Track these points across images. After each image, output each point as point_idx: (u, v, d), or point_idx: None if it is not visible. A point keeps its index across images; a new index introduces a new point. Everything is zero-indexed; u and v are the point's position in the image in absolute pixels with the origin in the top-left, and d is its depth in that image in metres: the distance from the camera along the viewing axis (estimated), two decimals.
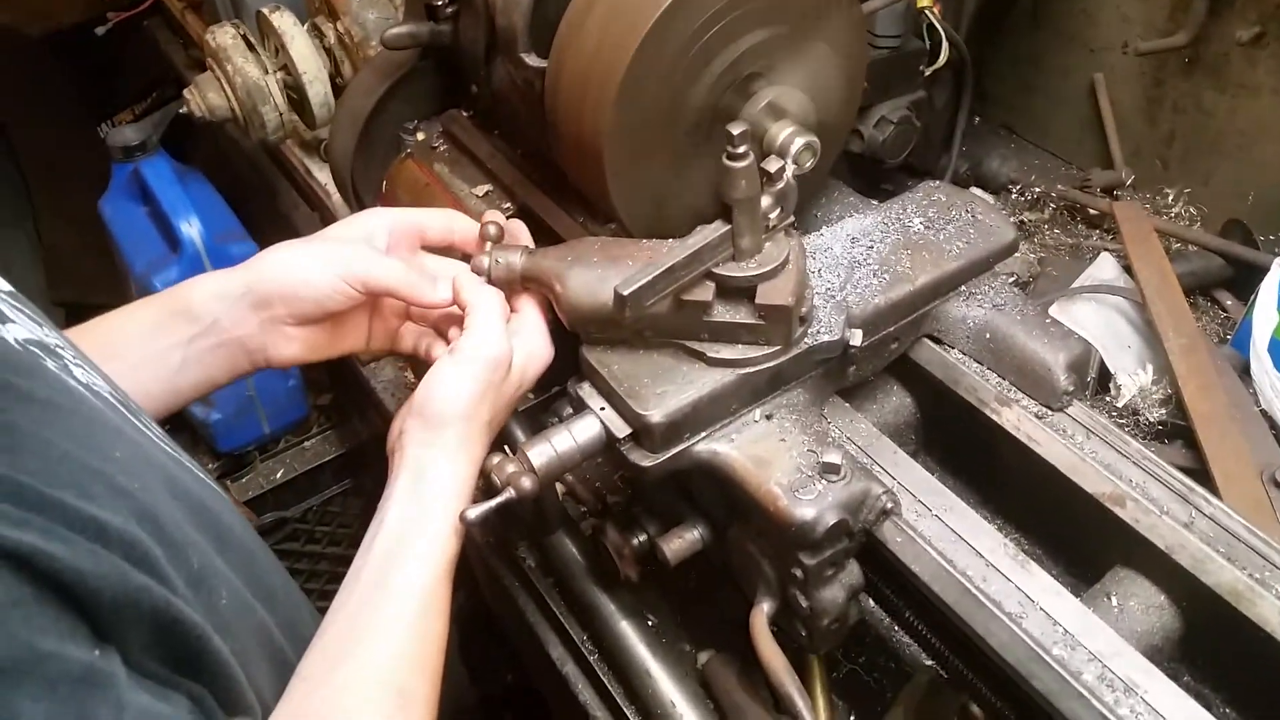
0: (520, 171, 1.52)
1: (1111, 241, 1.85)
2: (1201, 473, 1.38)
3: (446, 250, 1.17)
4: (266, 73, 2.08)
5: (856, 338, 1.12)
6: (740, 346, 1.08)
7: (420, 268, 1.15)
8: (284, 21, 2.10)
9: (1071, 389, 1.13)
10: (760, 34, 1.12)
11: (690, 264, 1.04)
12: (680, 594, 1.34)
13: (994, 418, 1.14)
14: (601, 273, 1.09)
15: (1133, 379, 1.49)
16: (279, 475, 2.24)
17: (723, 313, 1.07)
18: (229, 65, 2.06)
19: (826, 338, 1.11)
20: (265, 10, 2.11)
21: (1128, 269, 1.69)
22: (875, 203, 1.38)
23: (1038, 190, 1.90)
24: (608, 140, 1.12)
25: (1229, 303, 1.70)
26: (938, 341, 1.22)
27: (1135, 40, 1.85)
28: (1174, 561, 0.97)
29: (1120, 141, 1.93)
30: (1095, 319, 1.58)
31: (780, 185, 1.07)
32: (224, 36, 2.07)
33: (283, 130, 2.13)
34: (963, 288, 1.21)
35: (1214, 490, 1.30)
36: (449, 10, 1.56)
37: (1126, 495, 1.03)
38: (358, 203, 1.83)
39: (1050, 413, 1.13)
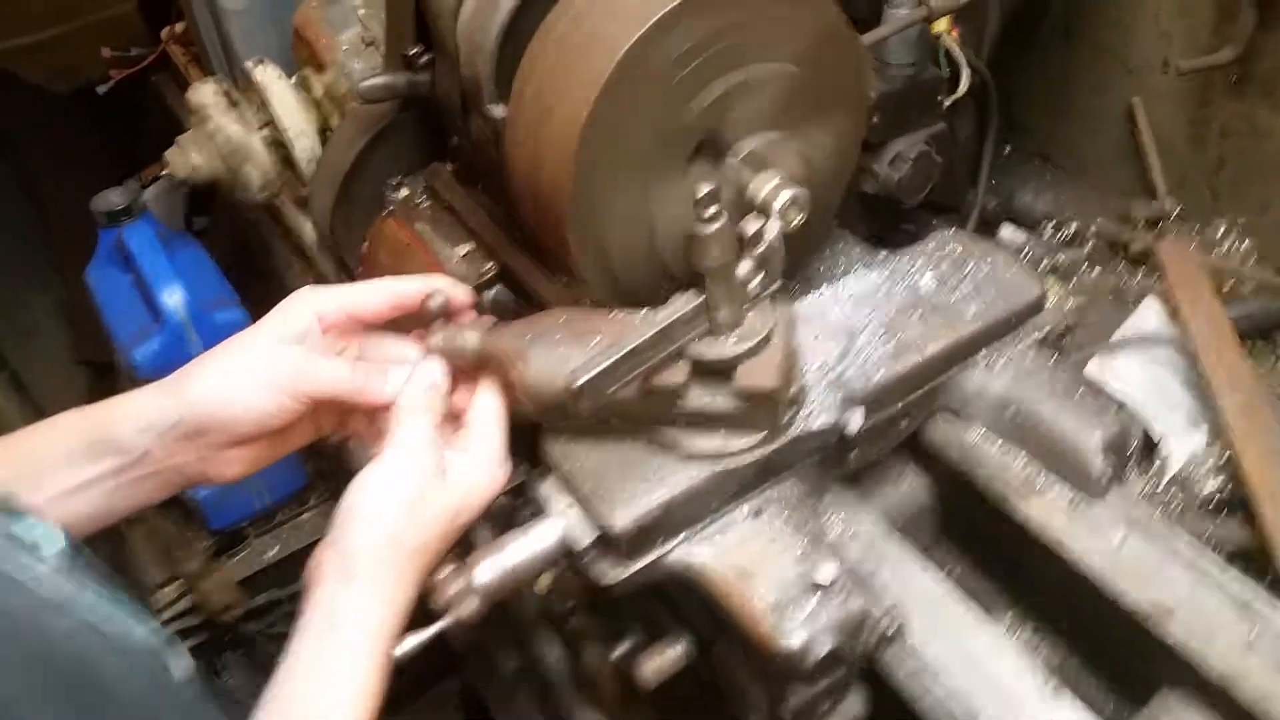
0: (503, 230, 1.40)
1: (1157, 281, 1.67)
2: (1262, 554, 1.21)
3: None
4: (252, 130, 1.97)
5: (855, 421, 0.97)
6: (721, 435, 0.94)
7: (377, 348, 1.03)
8: (267, 75, 1.99)
9: (1109, 474, 0.97)
10: (737, 76, 0.98)
11: (657, 343, 0.90)
12: (674, 704, 1.19)
13: (1018, 513, 0.98)
14: (565, 352, 0.96)
15: (1182, 445, 1.32)
16: (273, 553, 2.11)
17: (699, 398, 0.93)
18: (210, 123, 1.96)
19: (821, 422, 0.96)
20: (249, 64, 2.01)
21: (1174, 312, 1.52)
22: (884, 253, 1.24)
23: (1074, 227, 1.74)
24: (568, 201, 0.98)
25: None
26: (954, 416, 1.07)
27: (1176, 58, 1.68)
28: (1231, 696, 0.81)
29: (1164, 169, 1.76)
30: (1139, 374, 1.41)
31: (761, 248, 0.93)
32: (204, 93, 1.97)
33: (268, 190, 2.03)
34: (981, 354, 1.06)
35: (1277, 574, 1.14)
36: (424, 59, 1.45)
37: (1174, 608, 0.87)
38: (340, 265, 1.72)
39: (1084, 501, 0.97)
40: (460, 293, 1.02)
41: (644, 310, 0.99)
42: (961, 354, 1.05)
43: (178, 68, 2.74)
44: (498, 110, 1.16)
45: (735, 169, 1.01)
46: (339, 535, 0.88)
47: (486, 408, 0.98)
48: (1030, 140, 1.98)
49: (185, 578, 2.23)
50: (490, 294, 1.38)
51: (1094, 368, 1.41)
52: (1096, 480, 0.97)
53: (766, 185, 0.99)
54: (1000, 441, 1.04)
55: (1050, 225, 1.76)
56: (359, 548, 0.86)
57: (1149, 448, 1.35)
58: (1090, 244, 1.75)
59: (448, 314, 1.01)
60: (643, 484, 0.92)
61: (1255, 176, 1.67)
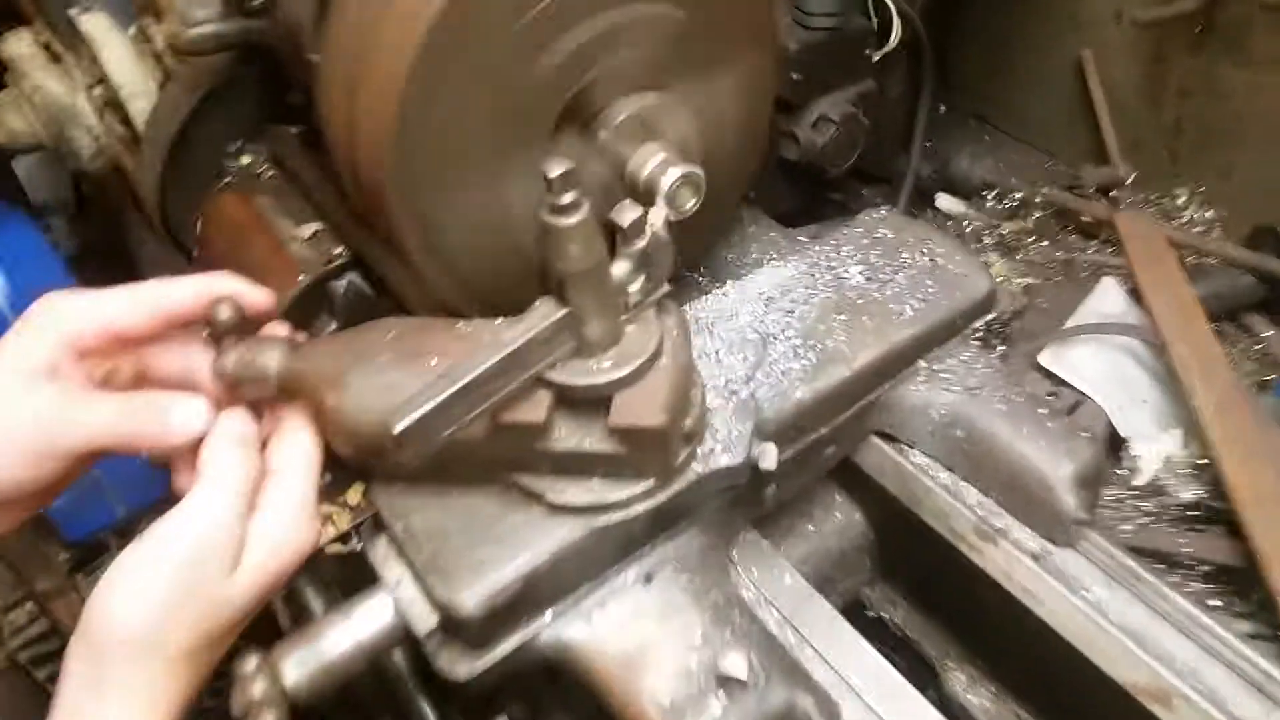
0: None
1: (1113, 255, 1.50)
2: (1248, 570, 1.04)
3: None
4: (78, 88, 1.69)
5: (769, 457, 0.77)
6: (596, 482, 0.73)
7: (164, 359, 0.81)
8: (95, 25, 1.71)
9: (1081, 515, 0.78)
10: (602, 21, 0.77)
11: (507, 371, 0.69)
12: None
13: (974, 559, 0.79)
14: (391, 378, 0.74)
15: (1153, 448, 1.15)
16: None
17: (566, 436, 0.72)
18: (27, 81, 1.67)
19: (727, 459, 0.76)
20: (74, 11, 1.73)
21: (1134, 292, 1.35)
22: (806, 240, 1.03)
23: (1019, 195, 1.55)
24: (390, 180, 0.76)
25: (1267, 333, 1.35)
26: (890, 440, 0.87)
27: (1132, 9, 1.50)
28: None
29: (1116, 132, 1.58)
30: (1099, 365, 1.23)
31: (641, 243, 0.72)
32: (19, 45, 1.68)
33: (102, 158, 1.75)
34: (921, 363, 0.87)
35: (1269, 597, 0.97)
36: (259, 1, 1.21)
37: (1173, 690, 0.69)
38: (176, 248, 1.47)
39: (1053, 549, 0.78)
40: (257, 297, 0.80)
41: (501, 320, 0.78)
42: (897, 364, 0.85)
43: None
44: (316, 58, 0.93)
45: (610, 141, 0.80)
46: (89, 626, 0.66)
47: (292, 450, 0.76)
48: (968, 100, 1.79)
49: (38, 597, 1.99)
50: (341, 285, 1.15)
51: (1048, 359, 1.23)
52: (1066, 523, 0.78)
53: (649, 162, 0.78)
54: (948, 472, 0.84)
55: (992, 194, 1.57)
56: (113, 645, 0.65)
57: (1115, 447, 1.18)
58: (1036, 214, 1.57)
59: (247, 325, 0.79)
60: (497, 548, 0.71)
61: (1216, 139, 1.50)
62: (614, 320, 0.72)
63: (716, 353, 0.83)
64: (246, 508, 0.72)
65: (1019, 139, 1.76)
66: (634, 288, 0.73)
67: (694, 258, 1.03)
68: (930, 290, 0.88)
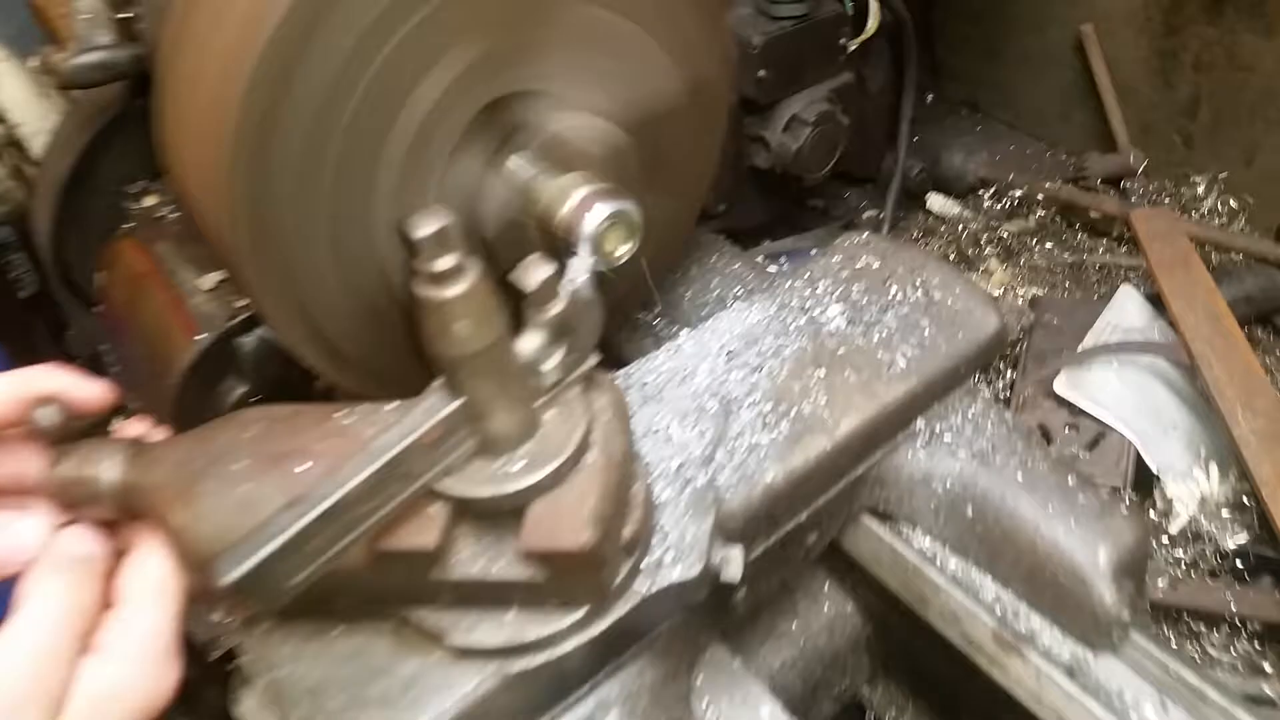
0: None
1: (1127, 255, 1.34)
2: None
3: None
4: None
5: (733, 565, 0.61)
6: (512, 616, 0.57)
7: None
8: None
9: (1124, 612, 0.63)
10: (496, 39, 0.61)
11: (382, 487, 0.53)
12: None
13: (994, 675, 0.63)
14: (248, 492, 0.58)
15: (1189, 487, 0.99)
16: None
17: (470, 561, 0.57)
18: None
19: (678, 574, 0.60)
20: None
21: (1154, 299, 1.19)
22: (776, 268, 0.88)
23: (1019, 192, 1.39)
24: (229, 212, 0.60)
25: None
26: (886, 519, 0.71)
27: None
28: None
29: (1123, 114, 1.43)
30: (1122, 390, 1.08)
31: (555, 309, 0.56)
32: None
33: (7, 203, 1.59)
34: (920, 423, 0.71)
35: None
36: (144, 25, 1.06)
37: None
38: (76, 300, 1.31)
39: (1091, 657, 0.63)
40: (88, 393, 0.64)
41: (395, 405, 0.62)
42: (890, 428, 0.69)
43: None
44: None
45: (519, 171, 0.64)
46: None
47: (142, 577, 0.60)
48: (958, 87, 1.64)
49: None
50: (248, 341, 1.00)
51: (1064, 385, 1.07)
52: (1107, 625, 0.62)
53: (572, 196, 0.62)
54: (958, 559, 0.69)
55: (989, 192, 1.41)
56: None
57: (1145, 482, 1.02)
58: (1039, 213, 1.41)
59: (79, 428, 0.63)
60: (386, 711, 0.55)
61: (1237, 118, 1.34)
62: (525, 408, 0.56)
63: (666, 428, 0.67)
64: (75, 647, 0.57)
65: (1015, 128, 1.60)
66: (549, 364, 0.57)
67: (635, 306, 0.87)
68: (926, 332, 0.72)
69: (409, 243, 0.48)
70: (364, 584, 0.57)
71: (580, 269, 0.58)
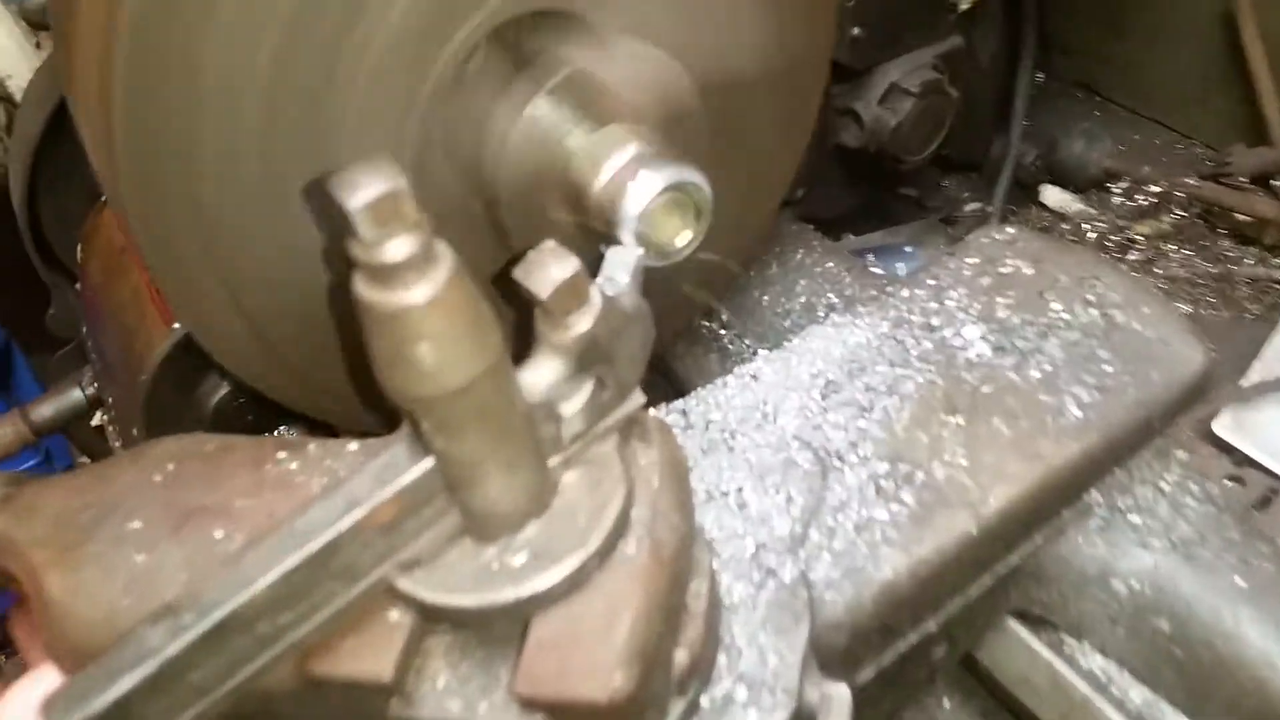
0: None
1: None
2: None
3: None
4: None
5: (839, 710, 0.41)
6: None
7: None
8: None
9: None
10: None
11: (310, 587, 0.34)
12: None
13: None
14: (145, 564, 0.40)
15: None
16: None
17: (435, 697, 0.38)
18: None
19: (756, 715, 0.40)
20: None
21: None
22: (882, 273, 0.68)
23: (1157, 189, 1.17)
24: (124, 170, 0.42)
25: None
26: (1042, 627, 0.51)
27: None
28: None
29: (1279, 100, 1.20)
30: None
31: (583, 326, 0.36)
32: None
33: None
34: (1095, 496, 0.51)
35: None
36: None
37: None
38: (56, 273, 1.15)
39: None
40: None
41: (356, 445, 0.44)
42: (1055, 502, 0.49)
43: None
44: None
45: (541, 117, 0.44)
46: None
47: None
48: (1071, 64, 1.41)
49: None
50: None
51: (1225, 427, 0.86)
52: None
53: (607, 158, 0.42)
54: (1142, 688, 0.48)
55: (1122, 188, 1.19)
56: None
57: None
58: (1177, 214, 1.19)
59: None
60: None
61: None
62: (531, 472, 0.37)
63: (739, 491, 0.47)
64: None
65: (1140, 114, 1.37)
66: (571, 407, 0.38)
67: (693, 310, 0.67)
68: (1107, 369, 0.52)
69: (336, 215, 0.29)
70: (293, 711, 0.39)
71: (620, 266, 0.39)
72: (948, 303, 0.56)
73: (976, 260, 0.58)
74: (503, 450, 0.36)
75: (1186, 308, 1.06)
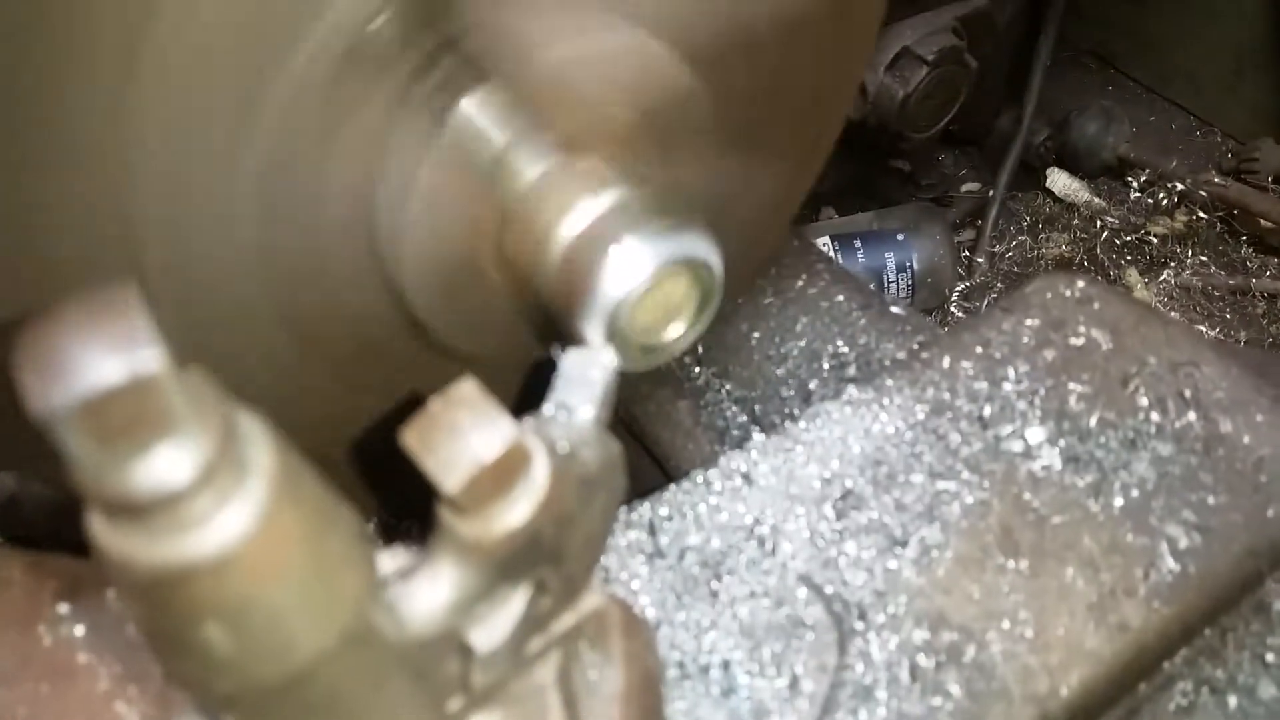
0: None
1: None
2: None
3: None
4: None
5: None
6: None
7: None
8: None
9: None
10: None
11: None
12: None
13: None
14: None
15: None
16: None
17: None
18: None
19: None
20: None
21: None
22: (903, 313, 0.54)
23: (1180, 186, 1.05)
24: None
25: None
26: None
27: None
28: None
29: None
30: None
31: (507, 528, 0.22)
32: None
33: None
34: (1177, 663, 0.38)
35: None
36: None
37: None
38: None
39: None
40: None
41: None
42: (1135, 675, 0.37)
43: None
44: None
45: (468, 139, 0.29)
46: None
47: None
48: (1083, 30, 1.27)
49: None
50: None
51: None
52: None
53: (563, 216, 0.27)
54: None
55: (1140, 180, 1.06)
56: None
57: None
58: (1195, 214, 1.07)
59: None
60: None
61: None
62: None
63: (724, 667, 0.34)
64: None
65: (1157, 93, 1.24)
66: (488, 638, 0.24)
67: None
68: (1210, 497, 0.39)
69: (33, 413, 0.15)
70: None
71: (583, 386, 0.24)
72: (1005, 385, 0.43)
73: (1038, 323, 0.45)
74: (376, 707, 0.22)
75: (1209, 329, 0.94)
